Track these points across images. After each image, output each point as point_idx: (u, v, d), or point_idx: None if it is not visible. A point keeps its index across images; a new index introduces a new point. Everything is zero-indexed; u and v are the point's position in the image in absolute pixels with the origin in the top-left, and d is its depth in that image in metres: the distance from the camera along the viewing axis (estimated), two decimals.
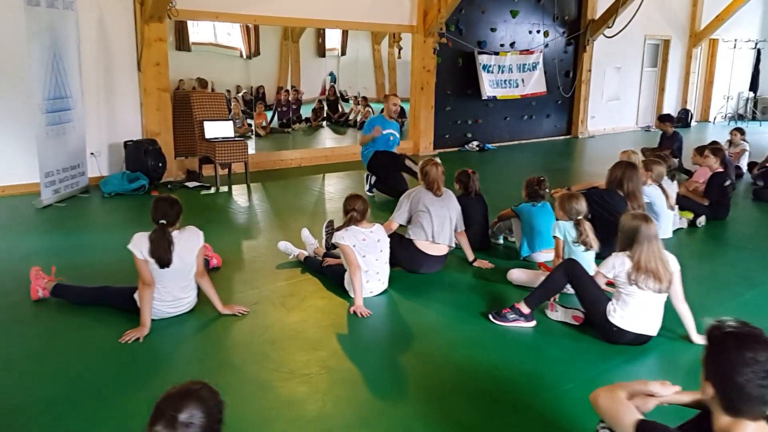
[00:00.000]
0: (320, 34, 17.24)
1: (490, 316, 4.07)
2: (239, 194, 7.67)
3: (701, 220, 6.56)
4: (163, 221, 3.81)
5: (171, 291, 3.91)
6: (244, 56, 16.19)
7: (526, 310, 4.00)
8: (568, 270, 3.91)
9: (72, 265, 4.91)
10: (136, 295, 3.93)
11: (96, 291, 4.15)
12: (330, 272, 4.67)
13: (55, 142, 6.80)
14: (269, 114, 13.68)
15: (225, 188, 7.87)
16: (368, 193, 7.52)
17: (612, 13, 12.64)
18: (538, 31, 12.38)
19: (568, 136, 13.53)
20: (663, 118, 10.13)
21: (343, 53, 14.77)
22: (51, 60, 6.71)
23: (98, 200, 7.12)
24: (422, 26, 10.27)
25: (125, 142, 7.67)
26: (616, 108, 14.60)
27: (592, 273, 4.47)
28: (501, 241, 5.76)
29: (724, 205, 6.78)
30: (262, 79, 16.49)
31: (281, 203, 7.25)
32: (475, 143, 11.44)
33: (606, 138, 13.71)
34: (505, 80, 11.72)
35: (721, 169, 6.83)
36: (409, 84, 10.77)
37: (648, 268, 3.61)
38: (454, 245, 5.01)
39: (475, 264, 5.10)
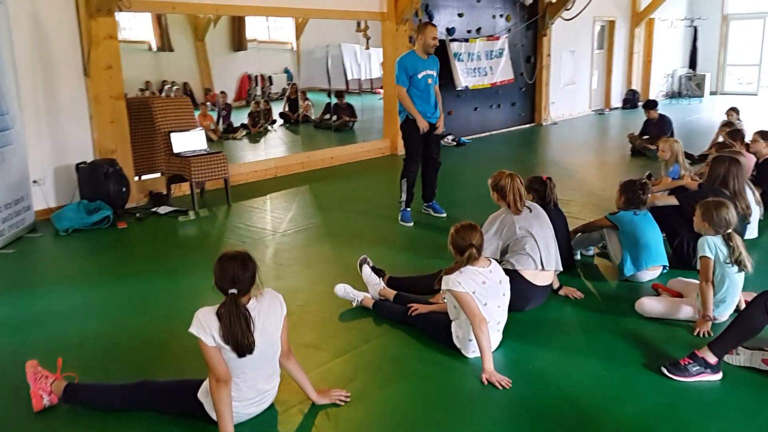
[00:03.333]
0: (236, 25, 15.82)
1: (665, 371, 3.16)
2: (227, 218, 6.40)
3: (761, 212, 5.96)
4: (234, 290, 2.64)
5: (254, 384, 2.76)
6: (154, 49, 14.62)
7: (712, 359, 3.12)
8: None
9: (57, 343, 3.63)
10: (201, 395, 2.76)
11: (133, 390, 2.91)
12: (424, 324, 3.62)
13: None
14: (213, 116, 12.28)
15: (204, 212, 6.58)
16: (424, 211, 6.31)
17: None
18: (501, 15, 11.64)
19: (532, 124, 12.91)
20: (649, 105, 9.65)
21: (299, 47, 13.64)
22: None
23: (53, 240, 5.68)
24: (393, 12, 9.25)
25: (78, 165, 6.23)
26: (571, 92, 14.14)
27: (737, 298, 3.74)
28: (578, 257, 4.89)
29: None
30: (180, 76, 15.01)
31: (289, 226, 6.06)
32: (450, 137, 10.56)
33: (568, 124, 13.21)
34: (475, 68, 10.90)
35: None
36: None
37: None
38: (561, 269, 4.09)
39: (561, 292, 4.20)
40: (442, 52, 10.36)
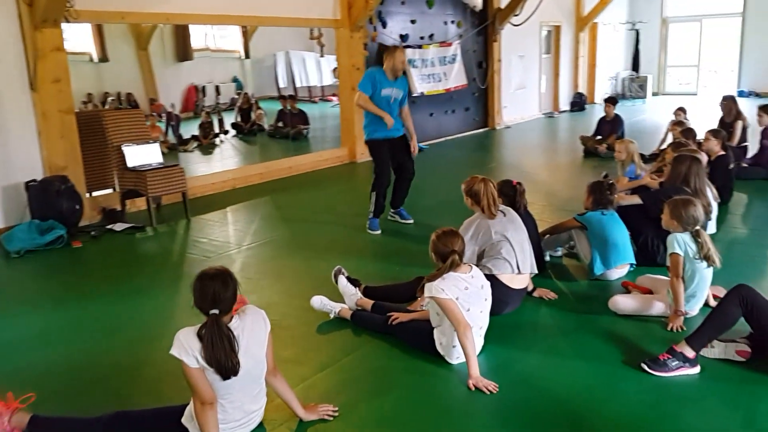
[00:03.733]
0: (181, 34, 15.49)
1: (646, 367, 3.18)
2: (187, 233, 6.21)
3: None
4: (215, 310, 2.52)
5: (241, 405, 2.64)
6: (95, 60, 14.28)
7: (691, 353, 3.15)
8: (745, 298, 3.10)
9: (22, 372, 3.44)
10: (186, 421, 2.63)
11: (111, 422, 2.71)
12: (405, 332, 3.56)
13: None
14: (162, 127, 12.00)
15: (163, 227, 6.37)
16: (390, 218, 6.31)
17: (519, 0, 12.29)
18: (453, 22, 11.73)
19: (486, 129, 13.03)
20: (610, 100, 9.85)
21: (248, 55, 13.26)
22: None
23: (5, 263, 5.39)
24: (347, 20, 9.19)
25: (27, 183, 5.95)
26: (522, 96, 14.35)
27: (707, 292, 3.80)
28: (547, 258, 4.90)
29: (728, 189, 6.37)
30: (124, 87, 14.67)
31: (253, 239, 5.91)
32: None
33: (520, 127, 13.38)
34: (429, 74, 10.95)
35: (722, 152, 6.42)
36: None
37: None
38: (536, 271, 4.10)
39: (535, 294, 4.20)
40: None
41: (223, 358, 2.48)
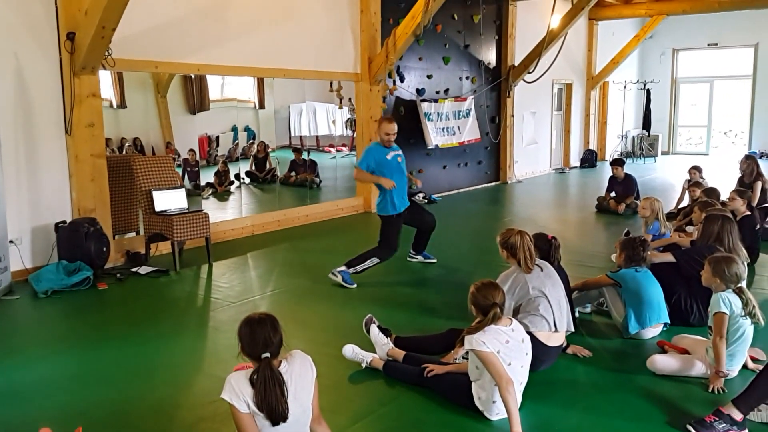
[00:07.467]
0: (192, 86, 15.84)
1: (692, 429, 3.14)
2: (210, 278, 6.26)
3: None
4: (267, 354, 2.57)
5: None
6: (115, 106, 14.55)
7: (738, 416, 3.12)
8: None
9: (59, 412, 3.46)
10: None
11: None
12: (441, 385, 3.55)
13: None
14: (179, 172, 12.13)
15: (186, 272, 6.42)
16: (409, 259, 6.60)
17: (533, 58, 12.59)
18: (467, 78, 12.01)
19: (497, 182, 13.18)
20: (616, 162, 9.93)
21: (262, 106, 13.62)
22: None
23: (32, 303, 5.43)
24: (367, 74, 9.44)
25: (57, 224, 6.04)
26: (533, 152, 14.55)
27: (746, 352, 3.81)
28: (576, 314, 4.91)
29: (755, 250, 6.27)
30: (137, 133, 14.90)
31: (276, 285, 5.97)
32: (421, 195, 10.68)
33: (531, 182, 13.53)
34: (444, 128, 11.16)
35: (748, 212, 6.45)
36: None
37: None
38: (573, 329, 4.11)
39: (569, 351, 4.17)
40: (413, 112, 10.63)
41: (274, 403, 2.52)
